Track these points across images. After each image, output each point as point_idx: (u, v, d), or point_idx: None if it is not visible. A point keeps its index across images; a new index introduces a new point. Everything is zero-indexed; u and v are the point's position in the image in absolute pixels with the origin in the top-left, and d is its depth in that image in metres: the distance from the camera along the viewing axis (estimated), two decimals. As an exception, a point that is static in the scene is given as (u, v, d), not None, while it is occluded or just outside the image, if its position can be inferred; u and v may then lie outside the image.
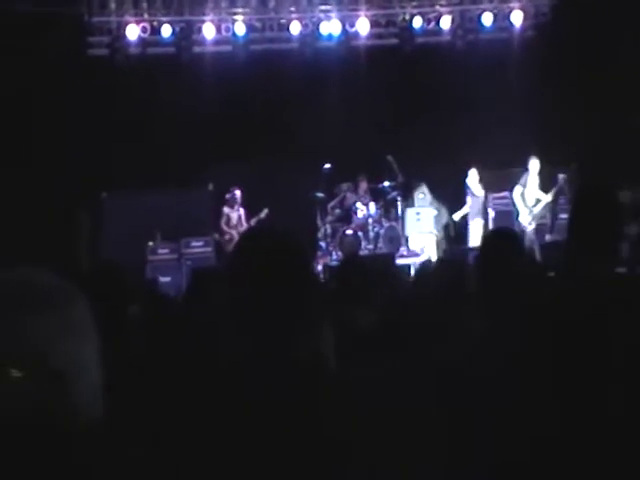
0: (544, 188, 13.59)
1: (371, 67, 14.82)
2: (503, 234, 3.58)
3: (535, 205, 13.57)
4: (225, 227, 13.71)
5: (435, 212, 14.77)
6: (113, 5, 14.50)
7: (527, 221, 13.58)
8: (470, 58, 14.75)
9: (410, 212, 14.82)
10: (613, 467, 2.37)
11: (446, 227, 15.07)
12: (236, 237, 13.25)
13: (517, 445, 2.18)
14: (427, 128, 13.87)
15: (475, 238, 13.92)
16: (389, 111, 14.28)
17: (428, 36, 15.33)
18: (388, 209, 14.58)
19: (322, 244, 14.25)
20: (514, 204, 13.80)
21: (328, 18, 14.97)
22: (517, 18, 15.19)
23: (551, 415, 2.39)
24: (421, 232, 14.71)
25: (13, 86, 12.38)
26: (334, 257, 13.84)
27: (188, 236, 13.87)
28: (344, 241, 14.04)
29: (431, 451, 1.86)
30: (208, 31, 14.64)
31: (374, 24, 15.17)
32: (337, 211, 14.48)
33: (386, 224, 14.37)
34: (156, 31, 14.58)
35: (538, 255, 12.14)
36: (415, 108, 14.23)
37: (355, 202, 14.33)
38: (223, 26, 14.74)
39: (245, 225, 13.59)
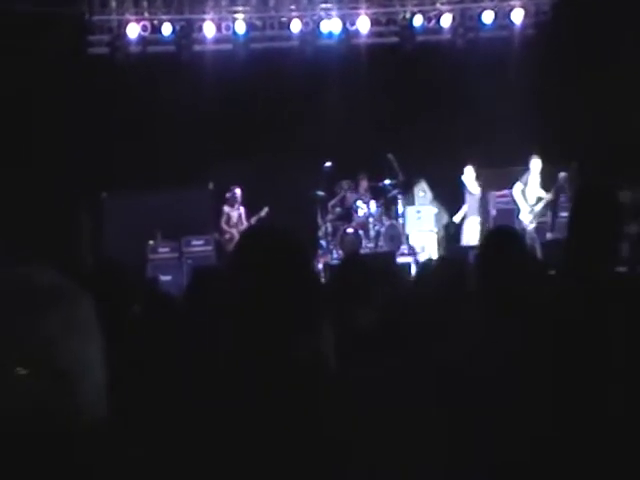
0: (545, 186, 13.59)
1: (371, 65, 14.82)
2: (504, 232, 3.57)
3: (536, 203, 13.57)
4: (225, 226, 13.71)
5: (436, 210, 14.78)
6: (114, 4, 14.50)
7: (528, 219, 13.57)
8: (470, 56, 14.75)
9: (411, 210, 14.82)
10: (613, 467, 2.37)
11: (446, 226, 15.07)
12: (236, 236, 13.25)
13: (517, 445, 2.18)
14: (427, 126, 13.86)
15: (470, 236, 13.92)
16: (390, 109, 14.27)
17: (428, 34, 15.33)
18: (389, 207, 14.57)
19: (323, 243, 14.26)
20: (515, 202, 13.79)
21: (329, 16, 14.97)
22: (517, 16, 15.19)
23: (551, 415, 2.39)
24: (422, 230, 14.71)
25: (13, 86, 12.38)
26: (335, 256, 13.84)
27: (189, 235, 13.87)
28: (345, 240, 14.03)
29: (431, 451, 1.86)
30: (208, 29, 14.63)
31: (374, 22, 15.17)
32: (338, 209, 14.47)
33: (387, 222, 14.36)
34: (156, 30, 14.58)
35: (539, 253, 12.14)
36: (415, 106, 14.23)
37: (356, 200, 14.32)
38: (223, 24, 14.73)
39: (245, 224, 13.58)
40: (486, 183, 14.46)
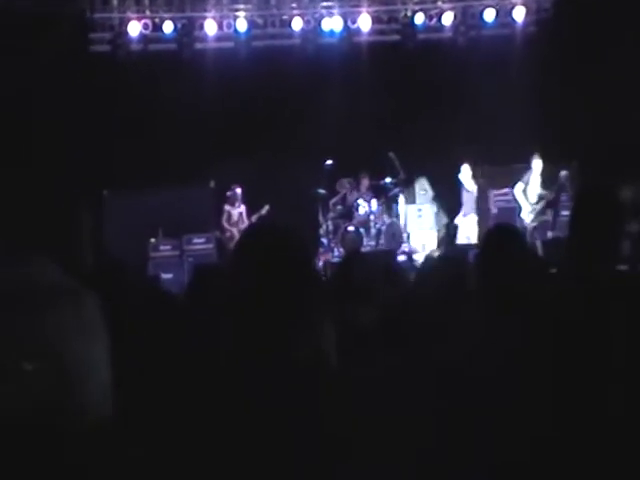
0: (546, 185, 13.59)
1: (373, 63, 14.81)
2: (505, 230, 3.57)
3: (537, 202, 13.57)
4: (226, 224, 13.71)
5: (437, 208, 14.77)
6: (115, 2, 14.50)
7: (529, 218, 13.57)
8: (472, 54, 14.74)
9: (411, 208, 14.83)
10: (613, 466, 2.37)
11: (447, 225, 15.06)
12: (237, 234, 13.26)
13: (517, 445, 2.18)
14: (429, 124, 13.85)
15: (467, 235, 13.91)
16: (391, 107, 14.26)
17: (430, 32, 15.32)
18: (390, 205, 14.58)
19: (324, 241, 14.27)
20: (516, 201, 13.80)
21: (330, 14, 14.96)
22: (519, 14, 15.18)
23: (551, 414, 2.39)
24: (422, 228, 14.72)
25: (14, 84, 12.37)
26: (336, 254, 13.84)
27: (190, 233, 13.88)
28: (346, 238, 14.04)
29: (431, 450, 1.86)
30: (210, 27, 14.62)
31: (376, 20, 15.16)
32: (339, 207, 14.47)
33: (388, 220, 14.37)
34: (158, 28, 14.58)
35: (540, 251, 12.14)
36: (417, 104, 14.21)
37: (357, 199, 14.32)
38: (225, 22, 14.72)
39: (246, 222, 13.59)
40: (487, 181, 14.45)
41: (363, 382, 1.94)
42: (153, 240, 13.75)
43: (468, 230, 14.04)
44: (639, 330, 2.66)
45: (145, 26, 14.50)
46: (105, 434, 1.42)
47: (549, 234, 13.45)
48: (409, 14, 15.12)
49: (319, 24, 14.91)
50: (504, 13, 15.27)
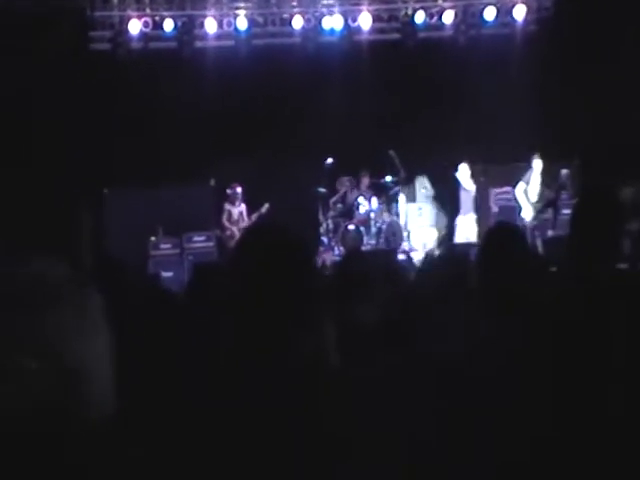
0: (547, 184, 13.60)
1: (373, 62, 14.81)
2: (505, 229, 3.57)
3: (538, 201, 13.57)
4: (226, 223, 13.71)
5: (438, 207, 14.77)
6: (115, 0, 14.50)
7: (530, 216, 13.58)
8: (472, 53, 14.74)
9: (412, 207, 14.82)
10: (613, 467, 2.37)
11: (447, 224, 15.06)
12: (237, 233, 13.26)
13: (517, 445, 2.18)
14: (429, 123, 13.85)
15: (466, 234, 13.90)
16: (391, 106, 14.25)
17: (430, 31, 15.32)
18: (390, 204, 14.57)
19: (324, 239, 14.27)
20: (516, 199, 13.81)
21: (330, 13, 14.96)
22: (520, 13, 15.17)
23: (551, 414, 2.39)
24: (423, 227, 14.72)
25: (14, 82, 12.37)
26: (336, 252, 13.84)
27: (190, 231, 13.87)
28: (346, 236, 14.04)
29: (431, 450, 1.86)
30: (210, 26, 14.62)
31: (376, 19, 15.16)
32: (339, 206, 14.47)
33: (388, 219, 14.36)
34: (158, 26, 14.58)
35: (541, 250, 12.14)
36: (417, 103, 14.21)
37: (357, 197, 14.32)
38: (225, 21, 14.72)
39: (246, 221, 13.60)
40: (487, 180, 14.46)
41: (363, 382, 1.94)
42: (153, 238, 13.75)
43: (467, 229, 14.04)
44: (639, 328, 2.66)
45: (145, 24, 14.50)
46: (106, 433, 1.42)
47: (549, 232, 13.46)
48: (409, 13, 15.11)
49: (319, 22, 14.91)
50: (505, 12, 15.26)
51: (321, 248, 14.08)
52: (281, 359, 1.82)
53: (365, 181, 14.45)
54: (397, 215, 14.52)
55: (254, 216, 13.59)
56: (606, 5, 13.24)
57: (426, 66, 14.58)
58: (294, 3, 14.99)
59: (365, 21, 14.96)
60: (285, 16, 14.99)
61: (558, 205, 13.60)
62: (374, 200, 14.30)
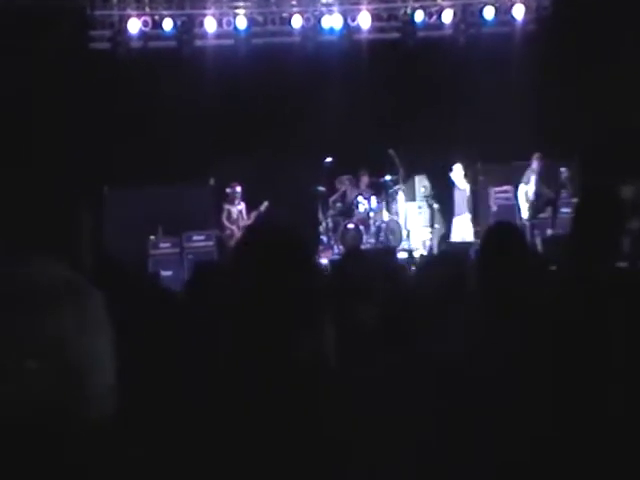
0: (546, 183, 13.60)
1: (373, 61, 14.80)
2: (505, 228, 3.57)
3: (537, 200, 13.58)
4: (226, 222, 13.71)
5: (437, 206, 14.76)
6: (115, -1, 14.51)
7: (529, 215, 13.58)
8: (472, 52, 14.73)
9: (411, 206, 14.82)
10: (613, 467, 2.37)
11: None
12: (236, 232, 13.27)
13: (517, 445, 2.18)
14: (428, 122, 13.84)
15: (461, 234, 13.89)
16: (391, 105, 14.26)
17: (430, 30, 15.31)
18: (389, 203, 14.57)
19: (324, 238, 14.26)
20: (516, 198, 13.82)
21: (330, 12, 14.95)
22: (519, 12, 15.17)
23: (551, 414, 2.39)
24: (422, 226, 14.71)
25: (14, 81, 12.36)
26: (336, 251, 13.84)
27: (190, 230, 13.87)
28: (345, 235, 14.03)
29: (431, 450, 1.86)
30: (209, 25, 14.61)
31: (376, 18, 15.15)
32: (338, 205, 14.46)
33: (387, 218, 14.37)
34: (157, 25, 14.57)
35: (540, 249, 12.14)
36: (417, 102, 14.21)
37: (356, 196, 14.31)
38: (224, 20, 14.72)
39: (246, 219, 13.59)
40: (487, 179, 14.46)
41: (363, 382, 1.94)
42: (153, 237, 13.74)
43: (463, 230, 14.03)
44: (638, 327, 2.66)
45: (145, 23, 14.50)
46: (106, 433, 1.42)
47: (549, 231, 13.47)
48: (409, 12, 15.11)
49: (319, 22, 14.90)
50: (504, 11, 15.27)
51: (321, 247, 14.08)
52: (280, 360, 1.82)
53: (364, 180, 14.44)
54: (396, 214, 14.51)
55: (253, 214, 13.58)
56: (605, 4, 13.24)
57: (425, 65, 14.58)
58: (293, 2, 14.98)
59: (364, 20, 14.96)
60: (284, 15, 14.98)
61: (557, 204, 13.61)
62: (373, 199, 14.30)
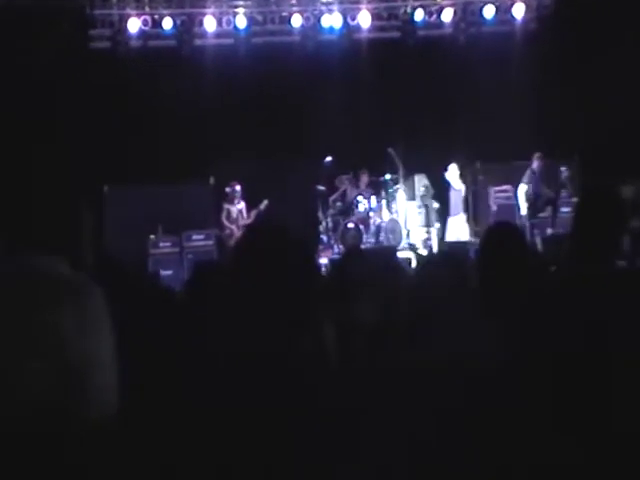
0: (546, 182, 13.60)
1: (373, 60, 14.79)
2: (504, 229, 3.57)
3: (537, 200, 13.58)
4: (225, 222, 13.70)
5: (437, 205, 14.75)
6: (114, -2, 14.51)
7: (529, 215, 13.59)
8: (472, 51, 14.73)
9: (411, 205, 14.81)
10: (613, 466, 2.37)
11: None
12: (236, 231, 13.26)
13: (517, 446, 2.18)
14: (428, 121, 13.85)
15: (457, 235, 13.88)
16: (390, 104, 14.26)
17: (430, 29, 15.31)
18: (389, 202, 14.57)
19: (324, 238, 14.25)
20: (516, 197, 13.82)
21: (330, 11, 14.94)
22: (519, 11, 15.17)
23: (551, 413, 2.39)
24: (422, 225, 14.71)
25: (13, 81, 12.36)
26: (336, 250, 13.83)
27: (189, 230, 13.86)
28: (345, 235, 14.02)
29: (431, 450, 1.86)
30: (209, 24, 14.61)
31: (376, 17, 15.14)
32: (338, 204, 14.45)
33: (387, 217, 14.36)
34: (157, 24, 14.57)
35: (540, 248, 12.14)
36: (417, 101, 14.21)
37: (356, 195, 14.30)
38: (224, 19, 14.71)
39: (246, 219, 13.58)
40: (486, 178, 14.46)
41: (362, 381, 1.94)
42: (153, 237, 13.74)
43: (458, 230, 14.03)
44: (638, 326, 2.66)
45: (144, 22, 14.50)
46: (106, 433, 1.42)
47: (549, 231, 13.47)
48: (409, 11, 15.11)
49: (319, 21, 14.90)
50: (504, 10, 15.26)
51: (321, 246, 14.07)
52: (281, 359, 1.82)
53: (364, 179, 14.43)
54: (396, 213, 14.51)
55: (253, 213, 13.58)
56: (605, 3, 13.23)
57: (425, 64, 14.57)
58: (293, 1, 14.98)
59: (364, 19, 14.95)
60: (284, 14, 14.98)
61: (557, 203, 13.62)
62: (373, 198, 14.29)
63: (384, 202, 14.43)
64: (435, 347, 2.59)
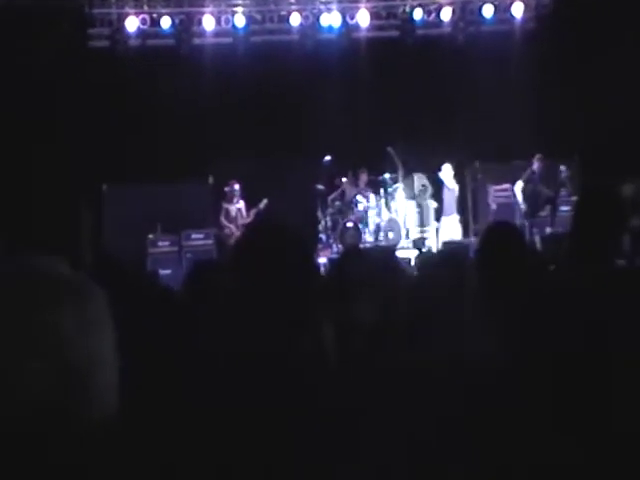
0: (546, 182, 13.61)
1: (371, 59, 14.80)
2: (503, 227, 3.57)
3: (536, 199, 13.59)
4: (224, 221, 13.69)
5: (436, 204, 14.76)
6: (113, -3, 14.51)
7: (528, 214, 13.59)
8: (471, 50, 14.73)
9: (410, 204, 14.81)
10: (613, 466, 2.37)
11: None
12: (235, 231, 13.26)
13: (517, 446, 2.18)
14: (427, 120, 13.85)
15: (450, 235, 13.87)
16: (389, 103, 14.26)
17: (429, 28, 15.31)
18: (388, 201, 14.57)
19: (323, 237, 14.25)
20: (515, 196, 13.83)
21: (328, 10, 14.94)
22: (518, 10, 15.17)
23: (552, 413, 2.39)
24: (417, 225, 14.71)
25: (13, 80, 12.36)
26: (335, 250, 13.83)
27: (188, 229, 13.86)
28: (345, 234, 14.01)
29: (431, 451, 1.86)
30: (208, 23, 14.61)
31: (374, 16, 15.14)
32: (337, 203, 14.45)
33: (386, 216, 14.36)
34: (156, 23, 14.58)
35: (539, 247, 12.15)
36: (415, 100, 14.21)
37: (355, 194, 14.30)
38: (223, 18, 14.72)
39: (245, 218, 13.58)
40: (486, 177, 14.46)
41: (362, 381, 1.94)
42: (151, 236, 13.74)
43: (450, 230, 14.02)
44: (638, 325, 2.66)
45: (143, 21, 14.50)
46: (106, 433, 1.42)
47: (548, 230, 13.47)
48: (408, 10, 15.11)
49: (317, 20, 14.90)
50: (503, 9, 15.26)
51: (320, 246, 14.07)
52: (280, 359, 1.82)
53: (363, 178, 14.43)
54: (396, 212, 14.51)
55: (252, 212, 13.57)
56: (605, 2, 13.23)
57: (424, 63, 14.58)
58: (292, 0, 14.98)
59: (363, 18, 14.95)
60: (283, 13, 14.98)
61: (557, 202, 13.62)
62: (372, 197, 14.29)
63: (383, 201, 14.43)
64: (435, 347, 2.59)
